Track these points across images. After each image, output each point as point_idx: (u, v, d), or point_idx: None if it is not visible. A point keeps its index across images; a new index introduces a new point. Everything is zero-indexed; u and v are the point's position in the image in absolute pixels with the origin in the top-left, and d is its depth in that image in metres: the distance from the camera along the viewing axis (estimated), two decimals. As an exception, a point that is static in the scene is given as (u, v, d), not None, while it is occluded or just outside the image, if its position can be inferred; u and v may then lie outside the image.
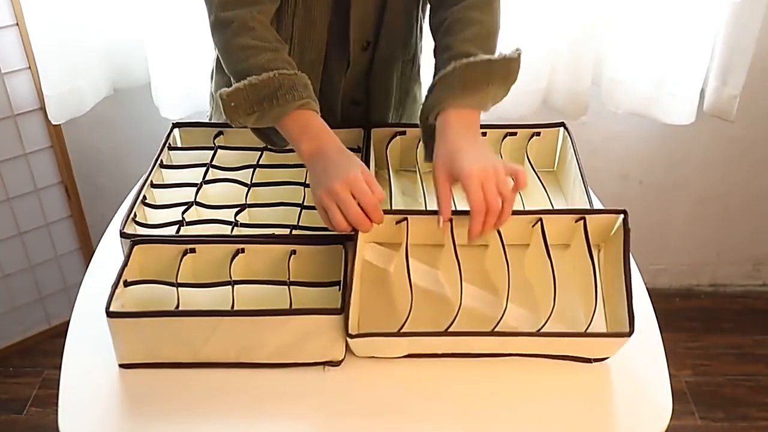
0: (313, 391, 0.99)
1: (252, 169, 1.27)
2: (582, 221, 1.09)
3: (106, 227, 1.30)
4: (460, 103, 1.09)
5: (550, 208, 1.19)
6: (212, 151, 1.32)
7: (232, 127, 1.28)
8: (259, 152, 1.32)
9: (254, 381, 1.00)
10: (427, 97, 1.12)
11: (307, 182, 1.23)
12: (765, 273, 2.39)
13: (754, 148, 2.14)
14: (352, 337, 0.95)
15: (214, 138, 1.37)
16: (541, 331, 0.98)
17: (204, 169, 1.27)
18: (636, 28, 1.84)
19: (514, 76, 1.13)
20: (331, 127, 1.11)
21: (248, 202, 1.21)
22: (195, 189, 1.23)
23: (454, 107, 1.09)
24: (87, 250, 2.13)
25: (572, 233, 1.11)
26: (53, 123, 1.88)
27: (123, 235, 1.10)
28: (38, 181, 1.98)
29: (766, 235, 2.31)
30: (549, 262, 1.03)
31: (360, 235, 1.03)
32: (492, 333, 0.98)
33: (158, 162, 1.28)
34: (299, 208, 1.18)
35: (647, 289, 1.15)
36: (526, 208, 1.19)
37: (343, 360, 1.01)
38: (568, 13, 1.81)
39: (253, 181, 1.25)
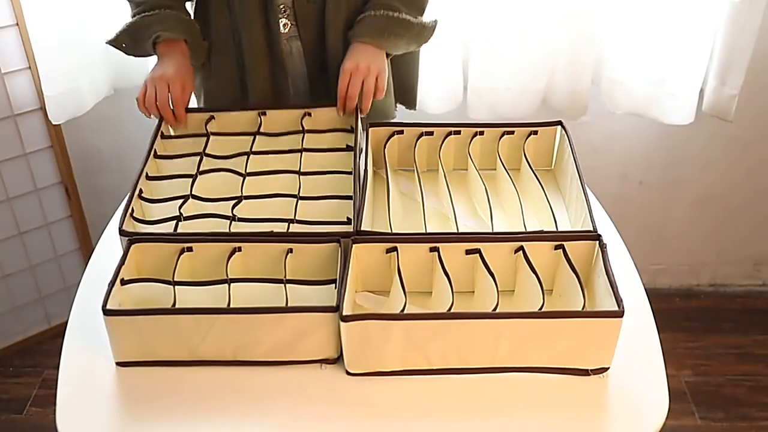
0: (310, 389, 0.99)
1: (246, 157, 1.27)
2: (561, 249, 1.09)
3: (106, 227, 1.30)
4: (370, 42, 1.38)
5: (548, 208, 1.19)
6: (205, 138, 1.32)
7: (222, 111, 1.37)
8: (252, 137, 1.31)
9: (251, 379, 1.01)
10: (354, 26, 1.40)
11: (302, 170, 1.24)
12: (765, 273, 2.39)
13: (753, 147, 2.13)
14: (346, 320, 0.95)
15: (206, 123, 1.36)
16: (538, 311, 0.99)
17: (198, 158, 1.27)
18: (636, 28, 1.84)
19: (426, 39, 1.46)
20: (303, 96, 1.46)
21: (244, 194, 1.20)
22: (190, 180, 1.22)
23: (366, 43, 1.38)
24: (87, 250, 2.13)
25: (556, 259, 1.10)
26: (53, 123, 1.88)
27: (122, 233, 1.10)
28: (38, 181, 1.99)
29: (766, 235, 2.31)
30: (538, 282, 1.03)
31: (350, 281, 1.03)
32: (490, 315, 0.98)
33: (152, 152, 1.28)
34: (295, 199, 1.19)
35: (647, 289, 1.15)
36: (524, 210, 1.19)
37: (339, 357, 1.01)
38: (568, 13, 1.81)
39: (247, 170, 1.24)
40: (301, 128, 1.36)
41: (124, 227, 1.11)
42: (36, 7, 1.74)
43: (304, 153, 1.29)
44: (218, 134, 1.35)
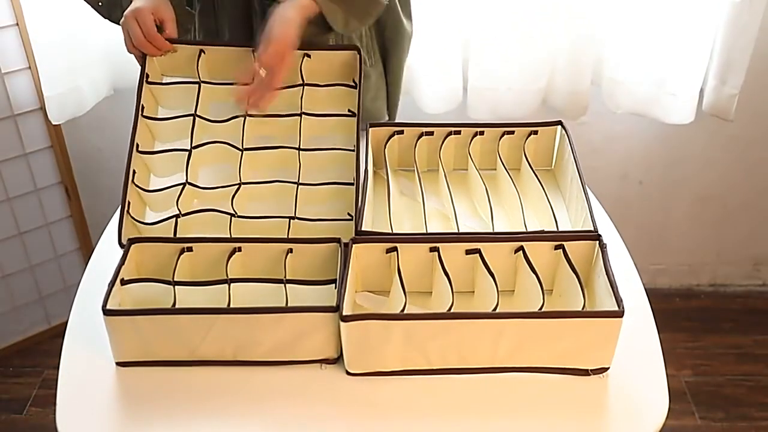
0: (310, 389, 0.99)
1: (242, 121, 1.24)
2: (561, 249, 1.08)
3: (106, 227, 1.30)
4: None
5: (548, 208, 1.19)
6: (196, 87, 1.27)
7: (212, 45, 1.33)
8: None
9: (251, 379, 1.01)
10: None
11: (302, 146, 1.23)
12: (765, 273, 2.39)
13: (753, 147, 2.14)
14: (346, 320, 0.95)
15: (197, 61, 1.30)
16: (538, 311, 0.99)
17: (191, 120, 1.23)
18: (636, 28, 1.84)
19: (373, 12, 1.30)
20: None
21: (243, 177, 1.20)
22: (186, 156, 1.20)
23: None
24: (87, 250, 2.13)
25: (556, 259, 1.10)
26: (53, 123, 1.88)
27: (121, 244, 1.10)
28: (38, 181, 1.99)
29: (766, 235, 2.31)
30: (538, 282, 1.03)
31: None
32: (490, 315, 0.98)
33: (140, 109, 1.24)
34: (296, 186, 1.18)
35: (647, 289, 1.15)
36: (524, 210, 1.19)
37: (339, 357, 1.01)
38: (568, 13, 1.82)
39: (245, 143, 1.22)
40: (300, 78, 1.30)
41: (123, 231, 1.12)
42: (36, 7, 1.74)
43: (303, 117, 1.26)
44: (210, 83, 1.29)
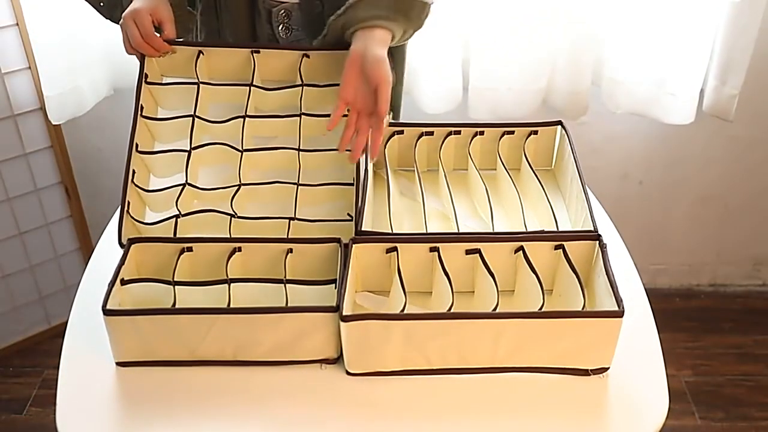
0: (310, 389, 0.99)
1: (241, 122, 1.24)
2: (561, 249, 1.08)
3: (106, 227, 1.30)
4: (385, 25, 1.19)
5: (548, 208, 1.19)
6: (195, 88, 1.26)
7: (211, 46, 1.32)
8: (246, 89, 1.27)
9: (251, 379, 1.01)
10: (347, 10, 1.20)
11: (301, 147, 1.23)
12: (765, 273, 2.39)
13: (753, 147, 2.14)
14: (346, 320, 0.95)
15: (195, 62, 1.29)
16: (538, 311, 0.99)
17: (190, 121, 1.23)
18: (636, 28, 1.84)
19: (423, 20, 1.27)
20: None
21: (243, 179, 1.20)
22: (185, 156, 1.20)
23: (380, 27, 1.18)
24: (87, 250, 2.13)
25: (556, 259, 1.10)
26: (53, 123, 1.88)
27: (121, 244, 1.10)
28: (38, 181, 1.99)
29: (766, 235, 2.31)
30: (538, 282, 1.03)
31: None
32: (490, 315, 0.98)
33: (139, 110, 1.23)
34: (295, 186, 1.19)
35: (647, 289, 1.15)
36: (524, 210, 1.20)
37: (339, 357, 1.01)
38: (569, 13, 1.82)
39: (244, 144, 1.22)
40: (299, 78, 1.29)
41: (123, 231, 1.12)
42: (36, 7, 1.74)
43: (303, 117, 1.26)
44: (209, 84, 1.29)
